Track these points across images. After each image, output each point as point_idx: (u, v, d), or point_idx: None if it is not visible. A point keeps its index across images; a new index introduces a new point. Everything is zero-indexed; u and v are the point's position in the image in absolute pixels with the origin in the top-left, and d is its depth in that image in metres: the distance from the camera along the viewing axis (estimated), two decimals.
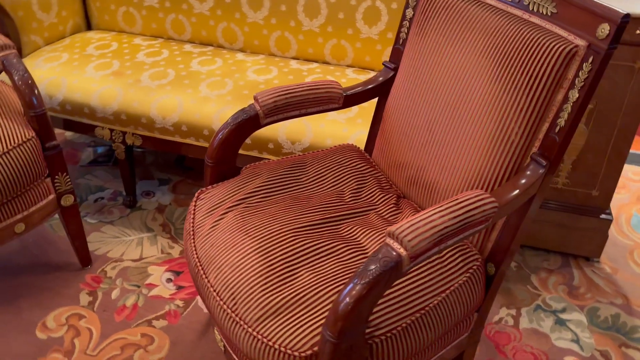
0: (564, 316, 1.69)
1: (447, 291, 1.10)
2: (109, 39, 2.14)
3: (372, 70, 1.99)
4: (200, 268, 1.16)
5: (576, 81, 1.02)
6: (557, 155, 1.06)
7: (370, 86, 1.40)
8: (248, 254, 1.12)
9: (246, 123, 1.29)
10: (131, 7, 2.15)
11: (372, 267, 0.90)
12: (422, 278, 1.09)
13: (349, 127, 1.67)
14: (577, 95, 1.02)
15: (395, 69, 1.40)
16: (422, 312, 1.06)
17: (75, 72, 1.90)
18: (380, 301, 1.03)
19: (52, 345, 1.53)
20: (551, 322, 1.67)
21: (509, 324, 1.65)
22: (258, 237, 1.15)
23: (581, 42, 1.01)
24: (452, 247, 1.16)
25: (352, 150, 1.45)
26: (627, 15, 0.95)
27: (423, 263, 1.11)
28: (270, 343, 1.00)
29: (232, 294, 1.08)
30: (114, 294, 1.69)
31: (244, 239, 1.15)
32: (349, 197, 1.32)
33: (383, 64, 1.43)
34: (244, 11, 2.01)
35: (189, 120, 1.77)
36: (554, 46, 1.03)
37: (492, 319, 1.66)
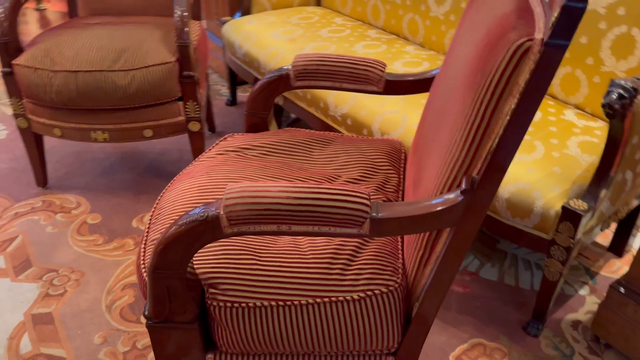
0: None
1: (326, 299, 0.93)
2: (318, 13, 2.33)
3: None
4: (170, 185, 1.25)
5: (523, 85, 0.73)
6: (483, 183, 0.78)
7: (419, 77, 1.23)
8: (192, 187, 1.16)
9: (277, 80, 1.30)
10: None
11: (193, 214, 0.85)
12: (303, 272, 0.95)
13: None
14: (515, 102, 0.73)
15: None
16: (282, 303, 0.93)
17: (264, 32, 2.15)
18: (238, 268, 0.95)
19: (133, 233, 1.83)
20: None
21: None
22: (212, 178, 1.17)
23: (539, 36, 0.71)
24: (371, 262, 0.97)
25: (389, 146, 1.30)
26: None
27: (317, 258, 0.97)
28: (142, 264, 1.04)
29: (160, 213, 1.15)
30: None
31: (201, 176, 1.19)
32: (340, 182, 1.20)
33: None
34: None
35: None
36: (511, 38, 0.75)
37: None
